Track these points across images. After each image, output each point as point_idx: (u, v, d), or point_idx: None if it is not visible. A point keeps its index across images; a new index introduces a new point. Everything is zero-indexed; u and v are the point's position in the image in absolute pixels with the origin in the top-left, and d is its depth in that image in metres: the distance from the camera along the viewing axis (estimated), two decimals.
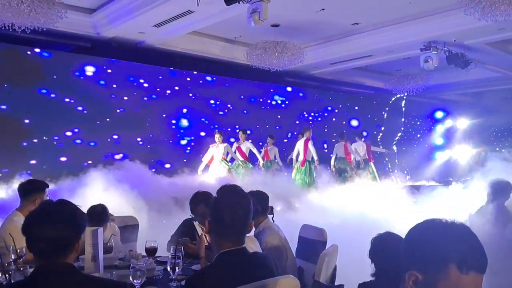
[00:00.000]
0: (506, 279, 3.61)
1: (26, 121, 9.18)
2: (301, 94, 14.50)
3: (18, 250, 2.90)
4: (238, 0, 6.41)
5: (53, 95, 9.63)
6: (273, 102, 13.82)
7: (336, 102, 15.34)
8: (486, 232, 4.01)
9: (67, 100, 9.75)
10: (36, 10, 6.30)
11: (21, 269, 2.71)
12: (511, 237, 3.88)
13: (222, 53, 10.74)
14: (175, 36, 9.38)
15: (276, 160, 11.26)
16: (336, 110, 15.42)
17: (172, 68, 11.40)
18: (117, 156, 10.09)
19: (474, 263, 1.24)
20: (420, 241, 1.29)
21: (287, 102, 14.08)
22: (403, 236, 1.39)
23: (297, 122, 14.18)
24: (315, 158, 10.91)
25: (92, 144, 9.94)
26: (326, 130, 14.77)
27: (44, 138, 9.39)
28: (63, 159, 9.55)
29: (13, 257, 2.83)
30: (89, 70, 10.14)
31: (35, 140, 9.29)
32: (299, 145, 11.00)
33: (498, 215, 4.19)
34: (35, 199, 3.63)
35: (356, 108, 15.87)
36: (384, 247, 2.51)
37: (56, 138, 9.54)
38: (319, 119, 14.81)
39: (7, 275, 2.59)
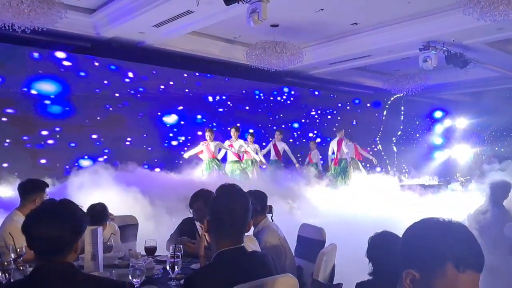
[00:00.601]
0: (504, 278, 3.63)
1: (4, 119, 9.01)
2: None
3: (18, 249, 2.91)
4: (238, 0, 6.42)
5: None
6: (278, 98, 13.74)
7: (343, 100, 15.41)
8: (484, 232, 4.02)
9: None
10: (36, 10, 6.30)
11: (21, 268, 2.72)
12: (510, 236, 3.89)
13: (221, 53, 10.74)
14: (175, 36, 9.38)
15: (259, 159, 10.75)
16: (348, 107, 15.50)
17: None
18: (101, 158, 9.86)
19: (471, 262, 1.25)
20: (417, 240, 1.30)
21: (292, 99, 14.04)
22: (400, 235, 1.40)
23: (304, 120, 14.22)
24: (349, 160, 11.54)
25: (72, 145, 9.72)
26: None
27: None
28: (43, 161, 9.38)
29: (12, 256, 2.84)
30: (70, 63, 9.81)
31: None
32: (333, 145, 11.73)
33: (497, 214, 4.21)
34: (35, 199, 3.63)
35: (368, 105, 15.96)
36: (381, 246, 2.52)
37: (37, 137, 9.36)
38: (329, 116, 14.88)
39: (6, 274, 2.60)
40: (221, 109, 12.34)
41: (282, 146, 11.44)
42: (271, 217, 3.84)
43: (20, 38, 7.94)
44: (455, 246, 1.25)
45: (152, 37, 9.42)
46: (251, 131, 11.71)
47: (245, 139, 10.67)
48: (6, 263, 2.67)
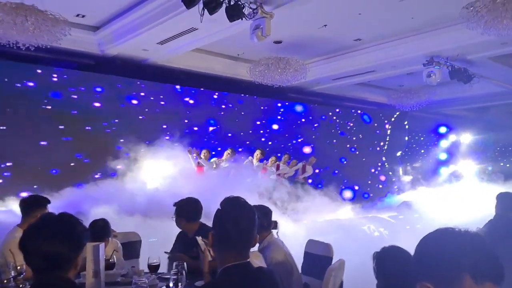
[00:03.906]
0: None
1: None
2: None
3: (18, 267, 2.86)
4: (241, 17, 6.45)
5: None
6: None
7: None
8: (495, 247, 3.93)
9: None
10: (40, 28, 6.33)
11: (21, 286, 2.67)
12: None
13: (225, 69, 10.78)
14: (179, 53, 9.41)
15: None
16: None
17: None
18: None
19: (489, 274, 1.19)
20: (433, 251, 1.24)
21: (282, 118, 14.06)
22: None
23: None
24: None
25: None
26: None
27: None
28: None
29: (12, 274, 2.79)
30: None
31: None
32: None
33: (507, 228, 4.11)
34: (36, 215, 3.57)
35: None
36: (388, 261, 2.46)
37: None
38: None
39: None
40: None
41: None
42: (277, 233, 3.77)
43: (25, 55, 7.99)
44: (473, 257, 1.19)
45: (156, 54, 9.47)
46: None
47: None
48: (5, 281, 2.62)
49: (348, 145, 14.94)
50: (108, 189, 8.31)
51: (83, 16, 8.07)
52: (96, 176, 9.41)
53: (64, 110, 9.60)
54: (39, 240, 1.79)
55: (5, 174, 8.96)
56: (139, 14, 7.69)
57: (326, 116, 14.64)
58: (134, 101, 10.83)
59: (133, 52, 9.29)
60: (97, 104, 10.17)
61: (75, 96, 9.90)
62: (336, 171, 14.29)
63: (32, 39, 6.58)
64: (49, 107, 9.56)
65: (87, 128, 9.90)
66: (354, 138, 15.14)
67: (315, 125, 14.29)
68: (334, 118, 14.92)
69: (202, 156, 10.17)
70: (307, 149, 13.87)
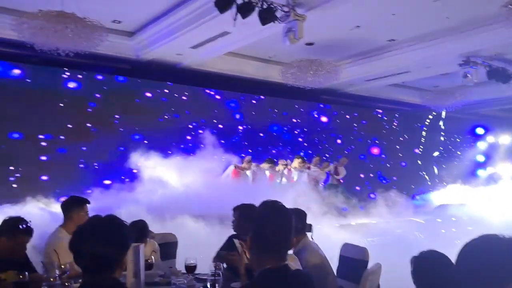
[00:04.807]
0: None
1: None
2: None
3: (63, 266, 2.96)
4: (274, 20, 6.47)
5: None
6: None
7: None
8: None
9: None
10: (79, 34, 6.53)
11: (66, 284, 2.77)
12: None
13: (257, 72, 10.82)
14: (212, 56, 9.53)
15: None
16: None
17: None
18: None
19: None
20: (479, 257, 1.24)
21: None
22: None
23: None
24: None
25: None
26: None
27: None
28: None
29: (57, 272, 2.90)
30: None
31: None
32: None
33: None
34: (71, 215, 3.69)
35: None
36: (428, 266, 2.43)
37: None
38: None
39: None
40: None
41: None
42: (311, 236, 3.78)
43: (64, 61, 8.22)
44: None
45: (189, 59, 9.60)
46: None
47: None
48: (52, 279, 2.72)
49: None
50: (135, 190, 8.54)
51: (119, 22, 8.27)
52: (106, 181, 9.60)
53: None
54: (88, 241, 1.87)
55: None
56: (173, 20, 7.82)
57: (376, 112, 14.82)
58: (148, 94, 10.99)
59: (167, 56, 9.45)
60: (95, 96, 10.32)
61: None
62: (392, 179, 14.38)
63: (72, 46, 6.79)
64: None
65: (98, 128, 10.06)
66: (401, 139, 15.20)
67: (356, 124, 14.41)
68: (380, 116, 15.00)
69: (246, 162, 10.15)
70: (375, 150, 14.20)
